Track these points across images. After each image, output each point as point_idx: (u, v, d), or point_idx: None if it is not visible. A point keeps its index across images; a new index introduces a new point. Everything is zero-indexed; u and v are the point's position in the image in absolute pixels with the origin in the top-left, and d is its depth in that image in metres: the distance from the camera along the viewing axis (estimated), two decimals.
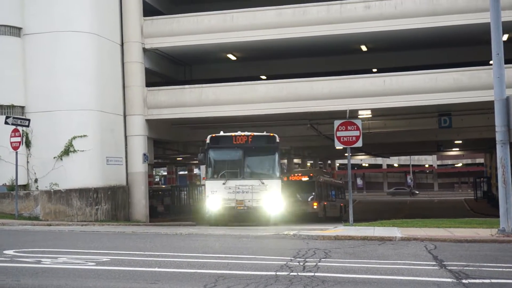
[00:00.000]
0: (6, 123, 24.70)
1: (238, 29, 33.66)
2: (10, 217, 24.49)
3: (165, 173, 79.40)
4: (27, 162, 29.30)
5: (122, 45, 34.35)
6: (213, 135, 27.98)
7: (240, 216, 27.25)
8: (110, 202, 30.52)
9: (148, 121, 34.12)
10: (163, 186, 50.37)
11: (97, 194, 29.61)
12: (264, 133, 28.45)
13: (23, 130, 26.89)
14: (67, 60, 30.95)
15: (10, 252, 12.74)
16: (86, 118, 30.36)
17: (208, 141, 28.08)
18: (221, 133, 29.12)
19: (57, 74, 30.57)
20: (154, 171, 67.27)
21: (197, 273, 10.29)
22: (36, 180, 29.40)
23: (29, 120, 26.84)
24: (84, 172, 29.87)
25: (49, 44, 30.82)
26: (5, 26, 30.92)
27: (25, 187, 28.60)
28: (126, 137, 33.44)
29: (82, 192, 28.70)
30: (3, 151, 27.60)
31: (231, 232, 20.47)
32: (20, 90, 30.32)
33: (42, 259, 11.74)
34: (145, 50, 34.72)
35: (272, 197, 26.55)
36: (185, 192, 53.67)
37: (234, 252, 13.92)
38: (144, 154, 33.43)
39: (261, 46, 34.94)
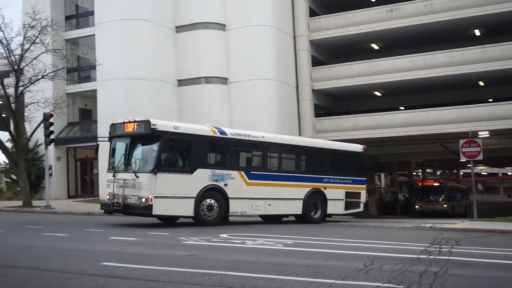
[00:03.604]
0: None
1: (381, 72, 33.51)
2: None
3: None
4: None
5: (297, 87, 35.13)
6: (113, 122, 16.98)
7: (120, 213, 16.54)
8: None
9: None
10: None
11: None
12: (143, 119, 15.92)
13: None
14: (259, 99, 31.98)
15: (224, 235, 13.18)
16: None
17: (109, 129, 17.13)
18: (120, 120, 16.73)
19: (252, 110, 31.60)
20: None
21: (357, 254, 10.13)
22: None
23: None
24: None
25: (246, 88, 32.02)
26: (216, 77, 32.51)
27: None
28: None
29: None
30: None
31: (382, 224, 20.16)
32: (227, 122, 31.49)
33: (246, 241, 12.03)
34: (313, 91, 35.38)
35: (144, 194, 15.03)
36: None
37: (384, 239, 13.57)
38: None
39: (400, 85, 34.36)
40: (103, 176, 30.77)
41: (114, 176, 15.79)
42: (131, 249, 10.24)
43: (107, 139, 16.93)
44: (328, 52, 38.31)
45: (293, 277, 7.30)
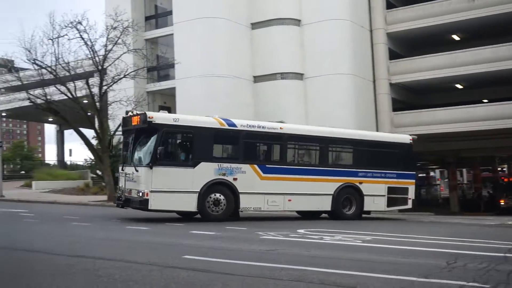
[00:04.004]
0: None
1: (462, 64, 32.30)
2: None
3: None
4: None
5: (374, 81, 34.47)
6: (123, 116, 17.17)
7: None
8: None
9: None
10: None
11: None
12: (142, 112, 16.20)
13: None
14: (335, 94, 31.66)
15: (302, 231, 13.17)
16: None
17: (121, 122, 17.46)
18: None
19: (328, 105, 31.35)
20: None
21: (439, 252, 9.82)
22: None
23: None
24: None
25: (322, 84, 31.80)
26: (292, 73, 32.47)
27: None
28: None
29: None
30: None
31: (464, 221, 19.45)
32: (303, 117, 31.43)
33: (324, 237, 11.96)
34: (391, 85, 34.62)
35: (142, 188, 14.76)
36: (424, 190, 51.66)
37: (467, 237, 13.08)
38: None
39: (482, 76, 32.93)
40: None
41: (122, 169, 15.91)
42: (211, 243, 10.43)
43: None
44: (406, 45, 37.32)
45: (373, 274, 7.18)
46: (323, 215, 18.85)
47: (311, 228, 13.89)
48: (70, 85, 26.86)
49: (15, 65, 32.14)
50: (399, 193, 19.12)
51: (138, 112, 15.74)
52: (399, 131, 32.86)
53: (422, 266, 7.98)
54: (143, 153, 15.34)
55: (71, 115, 28.06)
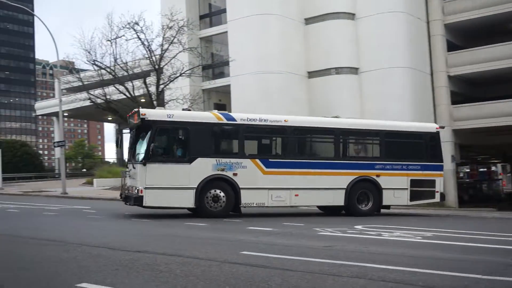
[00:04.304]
0: None
1: None
2: None
3: (468, 170, 74.68)
4: None
5: (431, 74, 33.70)
6: (128, 114, 16.98)
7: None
8: None
9: (453, 130, 32.82)
10: (467, 180, 47.77)
11: None
12: (136, 109, 15.71)
13: None
14: (391, 88, 31.18)
15: (359, 227, 13.02)
16: None
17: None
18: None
19: (384, 99, 30.88)
20: (459, 169, 64.21)
21: (503, 249, 9.51)
22: None
23: None
24: None
25: (378, 77, 31.38)
26: (347, 67, 32.17)
27: None
28: None
29: None
30: None
31: None
32: (357, 112, 31.09)
33: (382, 233, 11.79)
34: (449, 77, 33.71)
35: (138, 184, 14.71)
36: (485, 185, 50.42)
37: None
38: (452, 156, 32.05)
39: None
40: None
41: (127, 166, 16.00)
42: (268, 239, 10.46)
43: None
44: (464, 36, 36.24)
45: (435, 271, 7.01)
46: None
47: (368, 224, 13.72)
48: (128, 84, 27.53)
49: (75, 67, 33.21)
50: (424, 186, 17.75)
51: (135, 110, 15.60)
52: (459, 124, 32.09)
53: (487, 263, 7.74)
54: (139, 150, 15.32)
55: None
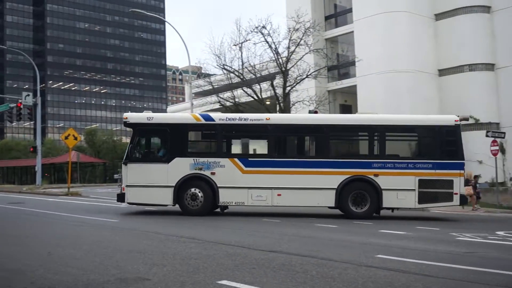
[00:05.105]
0: (486, 136, 24.02)
1: None
2: (493, 207, 23.64)
3: None
4: (503, 164, 28.05)
5: None
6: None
7: None
8: None
9: None
10: None
11: None
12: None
13: (499, 141, 25.83)
14: None
15: (501, 233, 12.26)
16: None
17: None
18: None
19: None
20: None
21: None
22: (510, 179, 28.04)
23: (504, 133, 25.63)
24: None
25: None
26: (481, 64, 30.52)
27: (502, 184, 27.40)
28: None
29: None
30: (484, 157, 27.03)
31: None
32: (494, 111, 29.37)
33: None
34: None
35: (123, 183, 15.93)
36: None
37: None
38: None
39: None
40: None
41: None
42: (403, 243, 10.14)
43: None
44: None
45: None
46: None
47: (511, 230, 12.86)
48: (256, 87, 28.10)
49: (203, 71, 34.54)
50: (438, 187, 15.37)
51: (125, 114, 16.50)
52: None
53: None
54: (127, 151, 16.19)
55: None
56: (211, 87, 31.66)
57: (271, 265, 7.39)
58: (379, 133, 15.92)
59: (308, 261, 7.75)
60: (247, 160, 15.80)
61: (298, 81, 27.33)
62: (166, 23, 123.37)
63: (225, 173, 15.50)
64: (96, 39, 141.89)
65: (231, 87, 29.63)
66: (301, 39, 26.68)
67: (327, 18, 36.64)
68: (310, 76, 27.61)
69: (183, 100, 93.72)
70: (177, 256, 8.00)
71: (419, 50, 31.17)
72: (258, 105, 28.45)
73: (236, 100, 29.43)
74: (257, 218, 15.29)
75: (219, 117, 16.33)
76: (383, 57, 30.67)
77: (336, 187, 15.36)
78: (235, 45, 28.35)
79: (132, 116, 16.56)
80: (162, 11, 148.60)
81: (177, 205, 15.75)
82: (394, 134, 16.19)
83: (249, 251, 8.67)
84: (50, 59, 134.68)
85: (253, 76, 28.55)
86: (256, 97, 27.95)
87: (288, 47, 27.05)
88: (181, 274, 6.69)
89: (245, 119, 16.03)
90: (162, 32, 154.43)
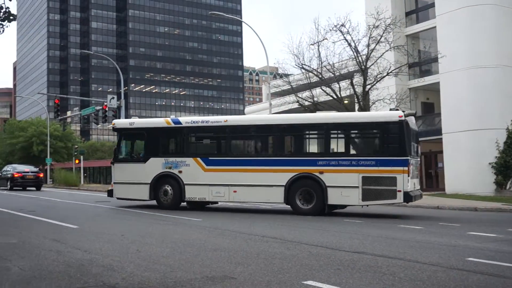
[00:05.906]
0: None
1: None
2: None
3: None
4: None
5: None
6: None
7: None
8: None
9: None
10: None
11: None
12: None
13: None
14: None
15: None
16: None
17: None
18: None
19: None
20: None
21: None
22: None
23: None
24: None
25: None
26: None
27: None
28: None
29: None
30: None
31: None
32: None
33: None
34: None
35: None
36: None
37: None
38: None
39: None
40: (449, 169, 30.22)
41: None
42: (495, 245, 9.69)
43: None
44: None
45: None
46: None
47: None
48: (335, 86, 27.82)
49: (280, 71, 34.61)
50: (381, 184, 15.11)
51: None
52: None
53: None
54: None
55: None
56: (289, 87, 31.65)
57: (357, 266, 7.28)
58: (323, 131, 16.43)
59: (395, 263, 7.57)
60: (208, 159, 17.25)
61: (378, 79, 26.79)
62: (244, 25, 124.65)
63: (190, 172, 17.16)
64: (175, 43, 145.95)
65: (309, 86, 29.50)
66: (381, 36, 26.14)
67: (408, 14, 35.64)
68: (390, 73, 27.00)
69: (260, 101, 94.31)
70: (261, 256, 8.05)
71: (506, 44, 29.70)
72: (337, 104, 28.15)
73: (315, 99, 29.26)
74: (339, 218, 15.13)
75: (185, 120, 18.16)
76: (467, 52, 29.47)
77: (284, 184, 16.02)
78: (313, 44, 28.22)
79: (118, 122, 19.69)
80: (239, 13, 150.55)
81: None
82: (339, 132, 16.52)
83: (333, 251, 8.59)
84: (132, 63, 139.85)
85: (332, 75, 28.27)
86: (335, 96, 27.67)
87: (368, 45, 26.57)
88: (266, 273, 6.72)
89: (206, 122, 17.76)
90: (239, 34, 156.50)
